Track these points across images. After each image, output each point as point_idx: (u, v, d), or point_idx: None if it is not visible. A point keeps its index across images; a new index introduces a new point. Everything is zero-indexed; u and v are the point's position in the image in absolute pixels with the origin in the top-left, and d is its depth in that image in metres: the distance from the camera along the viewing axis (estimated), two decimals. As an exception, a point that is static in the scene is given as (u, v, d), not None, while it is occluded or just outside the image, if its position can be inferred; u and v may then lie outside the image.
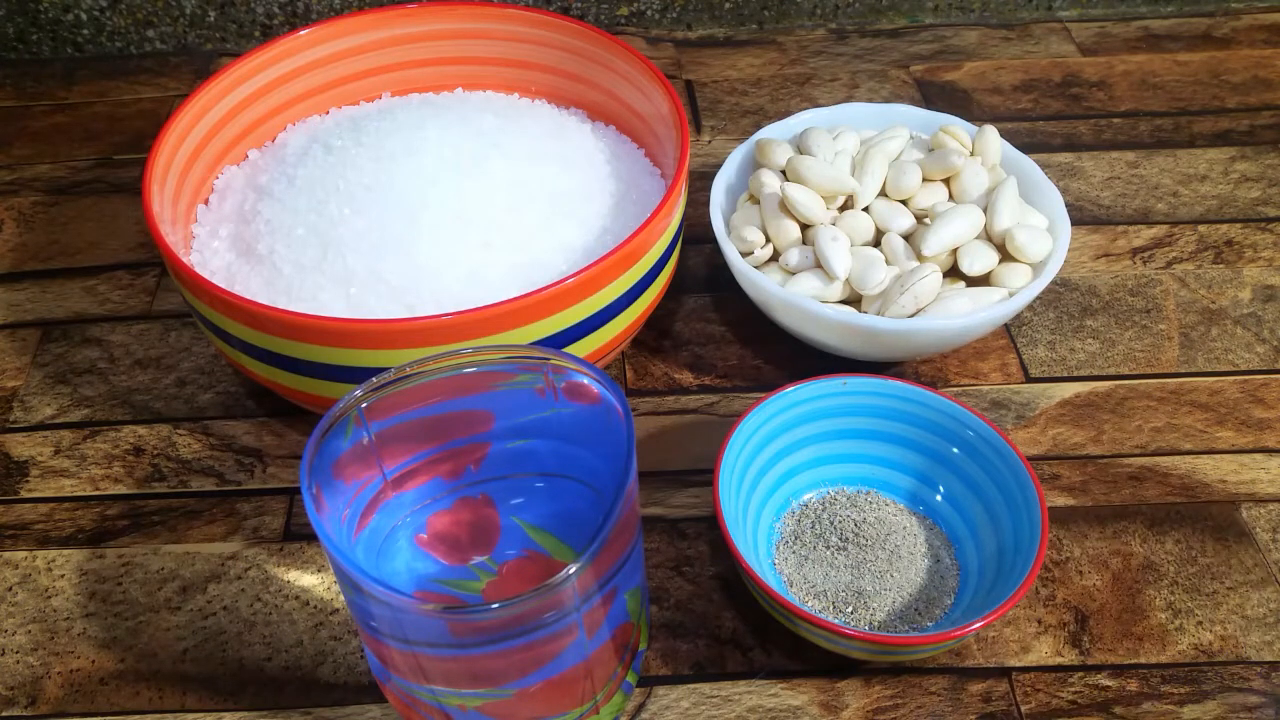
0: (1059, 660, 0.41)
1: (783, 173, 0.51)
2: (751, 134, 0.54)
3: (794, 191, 0.48)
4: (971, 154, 0.52)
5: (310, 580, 0.44)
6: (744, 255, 0.49)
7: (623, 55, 0.53)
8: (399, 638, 0.31)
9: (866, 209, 0.50)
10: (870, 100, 0.67)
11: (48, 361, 0.53)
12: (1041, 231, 0.48)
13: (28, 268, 0.58)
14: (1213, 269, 0.57)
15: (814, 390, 0.44)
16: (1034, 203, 0.51)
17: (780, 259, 0.49)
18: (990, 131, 0.52)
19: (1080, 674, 0.41)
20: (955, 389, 0.51)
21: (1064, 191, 0.60)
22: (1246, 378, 0.51)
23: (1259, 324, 0.54)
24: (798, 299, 0.46)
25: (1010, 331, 0.53)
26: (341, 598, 0.43)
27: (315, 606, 0.43)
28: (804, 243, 0.48)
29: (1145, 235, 0.58)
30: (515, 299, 0.41)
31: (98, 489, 0.47)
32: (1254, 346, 0.53)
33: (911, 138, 0.54)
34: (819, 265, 0.47)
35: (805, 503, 0.45)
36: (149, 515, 0.46)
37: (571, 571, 0.29)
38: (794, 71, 0.70)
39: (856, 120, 0.55)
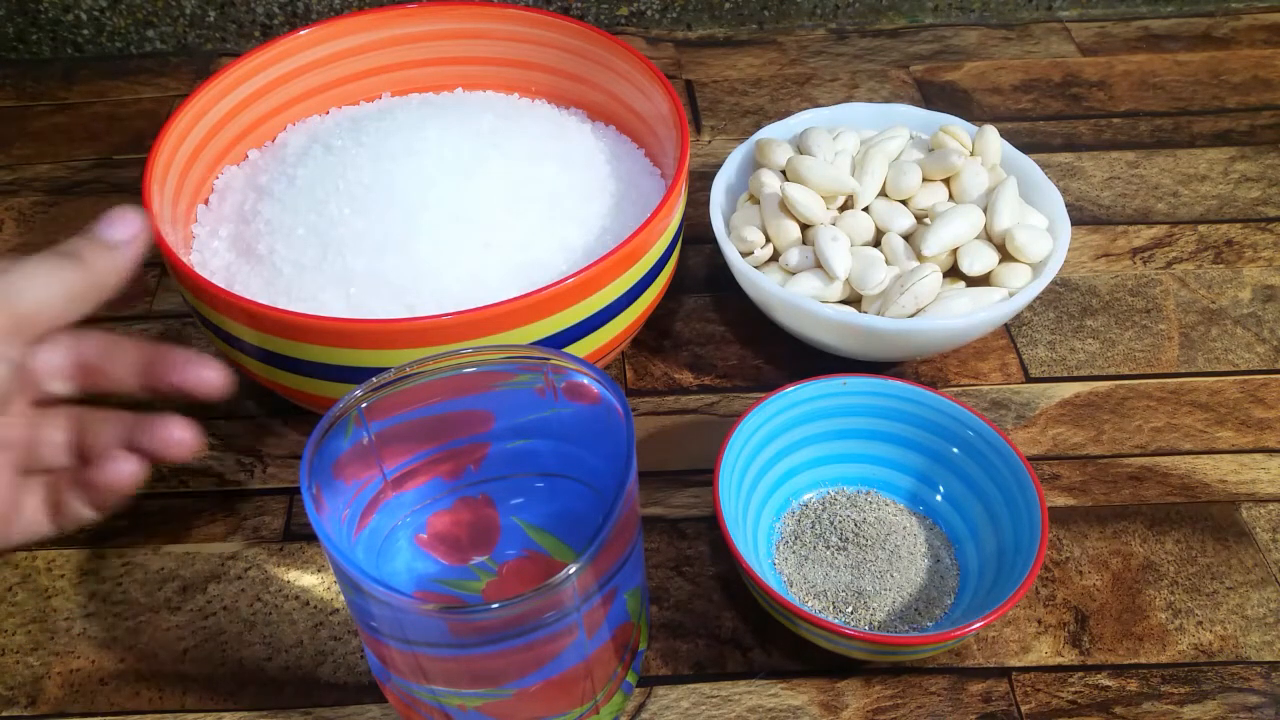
0: (1059, 660, 0.41)
1: (783, 173, 0.51)
2: (751, 134, 0.54)
3: (794, 191, 0.48)
4: (971, 154, 0.52)
5: (310, 580, 0.44)
6: (744, 255, 0.49)
7: (623, 55, 0.53)
8: (399, 638, 0.31)
9: (866, 209, 0.50)
10: (870, 100, 0.67)
11: (48, 361, 0.53)
12: (1041, 231, 0.48)
13: (28, 268, 0.58)
14: (1213, 269, 0.57)
15: (814, 390, 0.44)
16: (1034, 203, 0.51)
17: (780, 259, 0.49)
18: (990, 131, 0.52)
19: (1080, 674, 0.41)
20: (955, 389, 0.51)
21: (1064, 191, 0.60)
22: (1246, 378, 0.51)
23: (1259, 324, 0.54)
24: (798, 299, 0.46)
25: (1010, 331, 0.53)
26: (341, 598, 0.43)
27: (315, 606, 0.43)
28: (804, 243, 0.48)
29: (1145, 235, 0.58)
30: (515, 299, 0.41)
31: (98, 489, 0.47)
32: (1254, 346, 0.53)
33: (911, 138, 0.54)
34: (819, 265, 0.47)
35: (805, 503, 0.45)
36: (149, 515, 0.46)
37: (571, 571, 0.29)
38: (794, 71, 0.70)
39: (856, 120, 0.55)
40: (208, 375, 0.36)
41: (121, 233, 0.36)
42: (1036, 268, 0.48)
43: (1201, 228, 0.59)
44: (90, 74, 0.71)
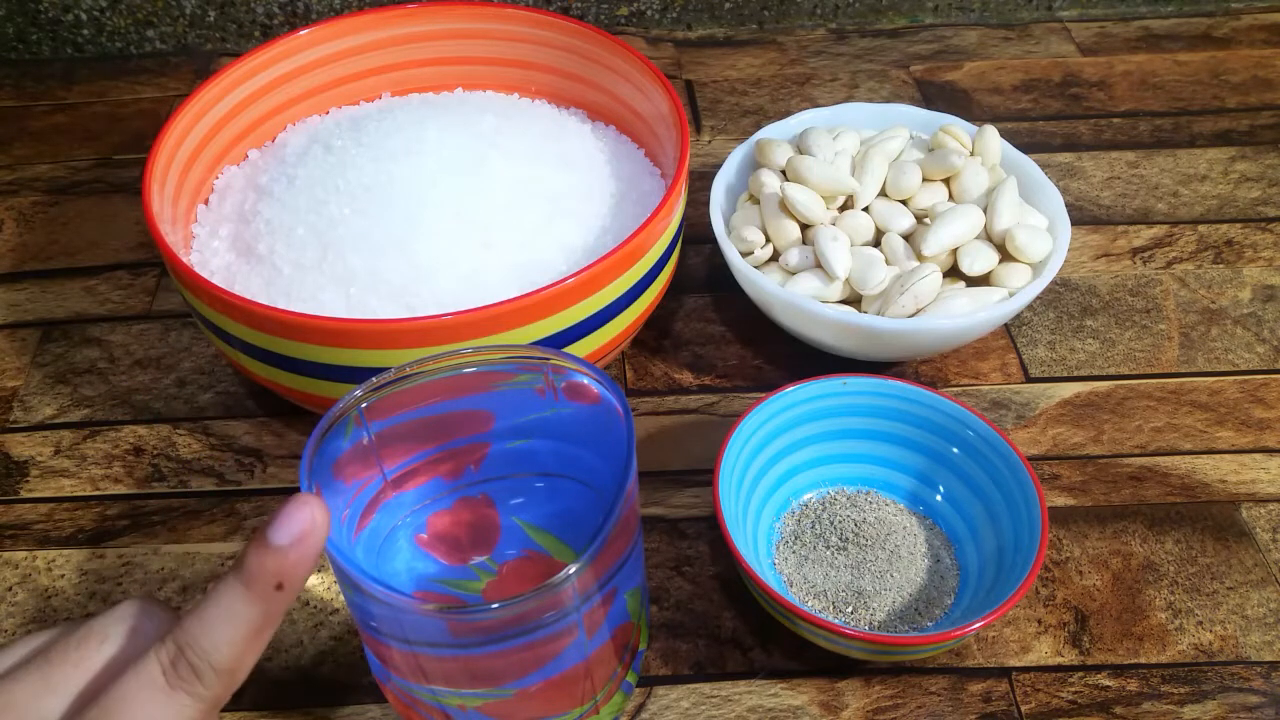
0: (1059, 660, 0.41)
1: (783, 173, 0.51)
2: (751, 134, 0.54)
3: (794, 191, 0.48)
4: (971, 154, 0.52)
5: (310, 580, 0.44)
6: (744, 255, 0.49)
7: (623, 55, 0.53)
8: (399, 638, 0.31)
9: (866, 209, 0.50)
10: (870, 100, 0.67)
11: (48, 361, 0.53)
12: (1041, 231, 0.48)
13: (28, 268, 0.58)
14: (1213, 269, 0.57)
15: (814, 390, 0.44)
16: (1034, 203, 0.51)
17: (780, 259, 0.49)
18: (990, 131, 0.52)
19: (1080, 674, 0.41)
20: (955, 389, 0.51)
21: (1064, 191, 0.60)
22: (1246, 378, 0.51)
23: (1259, 324, 0.54)
24: (798, 299, 0.46)
25: (1010, 331, 0.53)
26: (341, 598, 0.43)
27: (315, 606, 0.43)
28: (804, 243, 0.48)
29: (1145, 235, 0.58)
30: (515, 299, 0.41)
31: (98, 489, 0.47)
32: (1254, 346, 0.53)
33: (911, 138, 0.54)
34: (819, 265, 0.47)
35: (805, 503, 0.45)
36: (149, 515, 0.46)
37: (571, 571, 0.29)
38: (794, 71, 0.70)
39: (856, 120, 0.55)
40: None
41: (289, 535, 0.27)
42: (1036, 268, 0.48)
43: (1201, 228, 0.59)
44: (90, 74, 0.71)
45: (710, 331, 0.54)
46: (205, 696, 0.27)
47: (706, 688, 0.40)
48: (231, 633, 0.27)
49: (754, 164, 0.53)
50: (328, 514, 0.28)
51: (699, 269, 0.57)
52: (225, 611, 0.27)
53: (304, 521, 0.27)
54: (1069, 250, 0.55)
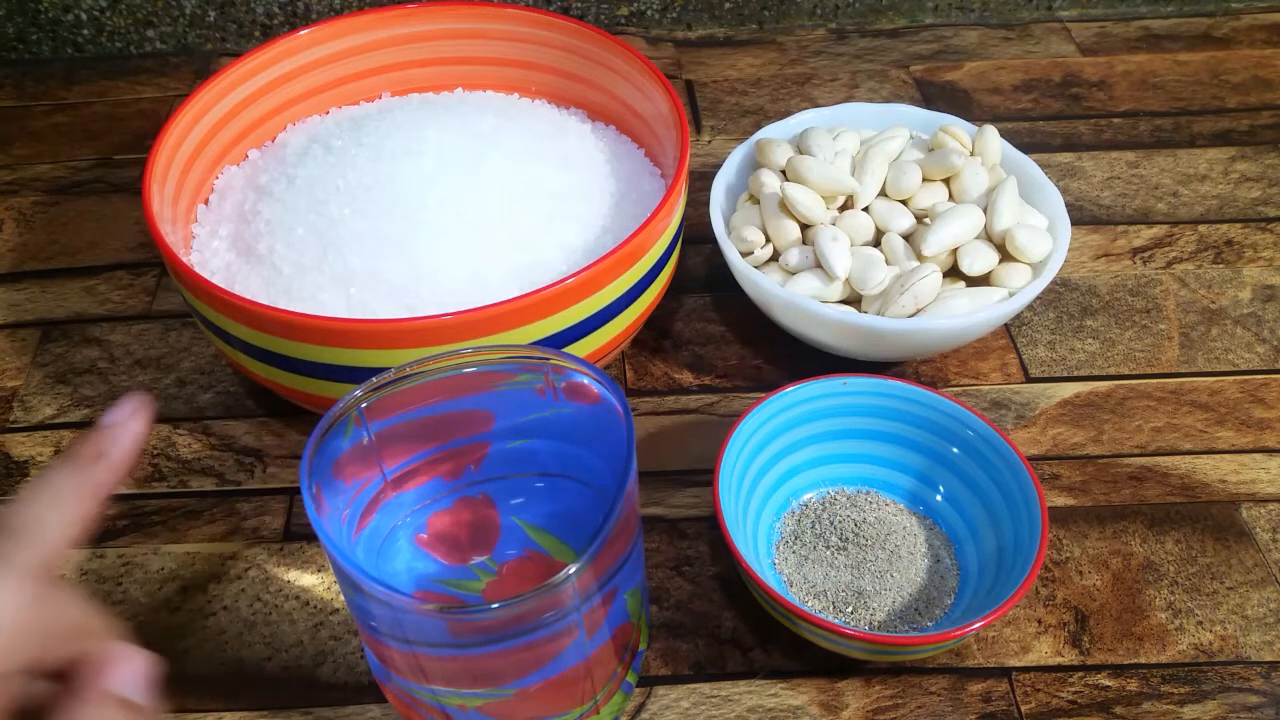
0: (1059, 660, 0.41)
1: (783, 173, 0.51)
2: (751, 134, 0.54)
3: (794, 191, 0.48)
4: (971, 154, 0.52)
5: (310, 580, 0.44)
6: (744, 255, 0.49)
7: (623, 55, 0.53)
8: (399, 638, 0.31)
9: (866, 209, 0.50)
10: (870, 100, 0.67)
11: (48, 361, 0.53)
12: (1041, 231, 0.48)
13: (28, 268, 0.58)
14: (1213, 269, 0.57)
15: (814, 390, 0.44)
16: (1034, 203, 0.51)
17: (780, 259, 0.49)
18: (990, 131, 0.52)
19: (1080, 674, 0.41)
20: (955, 389, 0.51)
21: (1064, 191, 0.60)
22: (1246, 378, 0.51)
23: (1259, 324, 0.54)
24: (798, 299, 0.46)
25: (1010, 331, 0.53)
26: (341, 598, 0.43)
27: (315, 606, 0.43)
28: (804, 243, 0.48)
29: (1145, 235, 0.58)
30: (515, 299, 0.41)
31: (98, 489, 0.47)
32: (1254, 346, 0.53)
33: (911, 138, 0.54)
34: (819, 265, 0.47)
35: (805, 503, 0.45)
36: (149, 515, 0.46)
37: (571, 571, 0.29)
38: (794, 71, 0.70)
39: (856, 120, 0.55)
40: None
41: (112, 419, 0.29)
42: (1036, 268, 0.48)
43: (1201, 228, 0.59)
44: (90, 74, 0.71)
45: (710, 331, 0.54)
46: (19, 561, 0.26)
47: (706, 688, 0.40)
48: (49, 499, 0.28)
49: (754, 164, 0.53)
50: (151, 407, 0.30)
51: (699, 269, 0.57)
52: (43, 482, 0.28)
53: (128, 407, 0.29)
54: (1069, 250, 0.55)
